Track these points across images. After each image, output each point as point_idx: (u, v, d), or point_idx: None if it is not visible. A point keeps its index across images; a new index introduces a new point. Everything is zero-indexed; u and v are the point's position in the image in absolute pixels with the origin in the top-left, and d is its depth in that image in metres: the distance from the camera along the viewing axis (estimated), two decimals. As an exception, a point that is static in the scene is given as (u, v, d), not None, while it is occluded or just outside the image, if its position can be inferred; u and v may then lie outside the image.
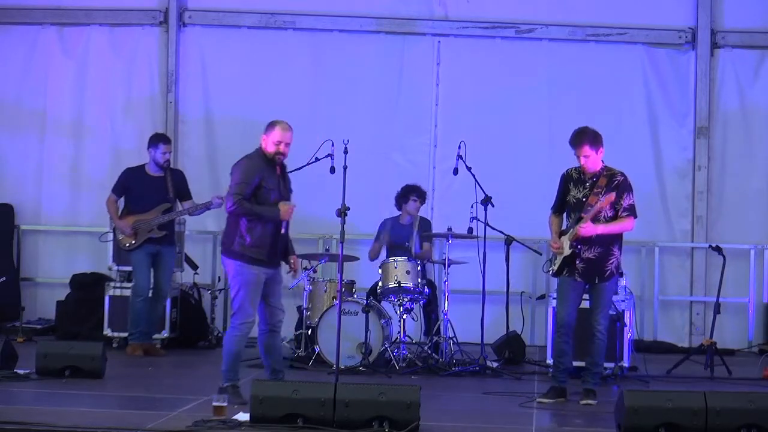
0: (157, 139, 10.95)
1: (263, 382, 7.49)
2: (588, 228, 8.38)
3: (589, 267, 8.50)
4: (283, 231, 8.12)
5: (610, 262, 8.52)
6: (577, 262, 8.50)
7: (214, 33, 12.79)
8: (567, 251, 8.51)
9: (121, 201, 10.97)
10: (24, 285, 12.76)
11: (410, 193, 11.01)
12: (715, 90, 12.46)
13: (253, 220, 8.02)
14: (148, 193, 10.78)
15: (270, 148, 8.10)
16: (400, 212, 11.10)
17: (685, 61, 12.51)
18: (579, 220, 8.47)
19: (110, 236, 11.20)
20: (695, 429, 7.03)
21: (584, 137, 8.50)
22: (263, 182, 8.04)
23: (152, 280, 10.82)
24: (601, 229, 8.43)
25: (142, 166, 10.95)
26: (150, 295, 10.77)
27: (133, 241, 10.70)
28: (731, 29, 12.45)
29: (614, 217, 8.50)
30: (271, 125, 8.15)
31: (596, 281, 8.52)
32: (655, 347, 11.80)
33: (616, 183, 8.49)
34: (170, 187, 10.79)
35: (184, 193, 10.92)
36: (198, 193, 11.15)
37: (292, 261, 8.31)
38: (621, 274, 9.13)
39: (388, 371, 9.83)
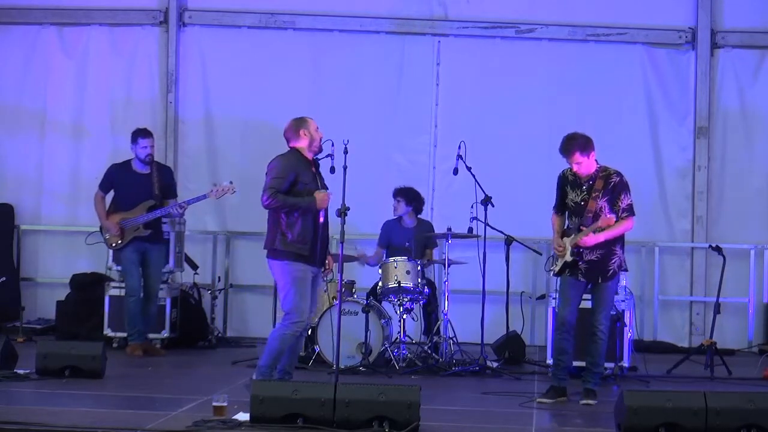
0: (136, 134, 10.86)
1: (263, 382, 7.50)
2: (589, 239, 8.38)
3: (592, 268, 8.50)
4: (321, 220, 8.22)
5: (613, 261, 8.52)
6: (580, 263, 8.49)
7: (214, 33, 12.79)
8: (569, 258, 8.50)
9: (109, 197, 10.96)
10: (24, 285, 12.76)
11: (394, 194, 11.02)
12: (715, 90, 12.46)
13: (292, 214, 8.10)
14: (133, 190, 10.73)
15: (316, 136, 8.31)
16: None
17: (685, 61, 12.50)
18: (580, 228, 8.46)
19: (98, 237, 11.09)
20: (695, 429, 7.03)
21: (574, 145, 8.45)
22: (299, 177, 8.18)
23: (142, 279, 10.79)
24: (603, 237, 8.42)
25: (129, 162, 10.90)
26: (141, 294, 10.75)
27: (120, 241, 10.67)
28: (731, 29, 12.45)
29: (614, 219, 8.49)
30: (301, 120, 8.33)
31: (599, 281, 8.52)
32: (655, 347, 11.80)
33: (612, 184, 8.49)
34: (156, 184, 10.75)
35: (168, 191, 10.86)
36: (198, 193, 11.13)
37: (327, 261, 8.40)
38: (625, 270, 9.11)
39: (388, 371, 9.83)
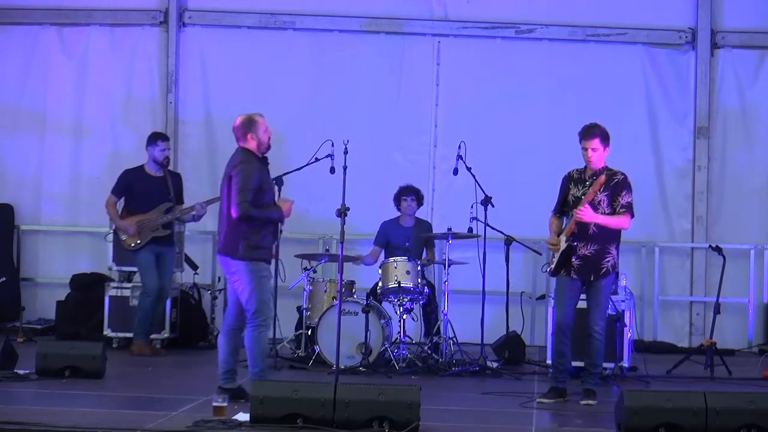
0: (156, 137, 10.96)
1: (263, 382, 7.50)
2: (587, 212, 8.36)
3: (584, 264, 8.49)
4: (282, 228, 8.14)
5: (606, 260, 8.51)
6: (573, 259, 8.50)
7: (214, 33, 12.79)
8: (563, 245, 8.51)
9: (120, 202, 10.98)
10: (24, 285, 12.75)
11: (403, 193, 11.02)
12: (715, 90, 12.46)
13: (255, 224, 8.00)
14: (149, 192, 10.79)
15: (264, 138, 8.08)
16: (400, 213, 11.11)
17: (685, 61, 12.50)
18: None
19: (112, 236, 11.16)
20: (695, 429, 7.03)
21: (597, 130, 8.52)
22: (263, 184, 8.03)
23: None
24: (600, 218, 8.41)
25: (141, 167, 10.96)
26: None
27: (138, 241, 10.69)
28: (731, 29, 12.45)
29: (612, 215, 8.50)
30: (251, 122, 8.07)
31: (591, 278, 8.52)
32: (655, 347, 11.80)
33: (615, 181, 8.50)
34: (171, 187, 10.80)
35: (178, 197, 10.92)
36: (198, 193, 11.18)
37: None
38: (617, 274, 9.13)
39: (388, 371, 9.83)
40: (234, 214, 7.93)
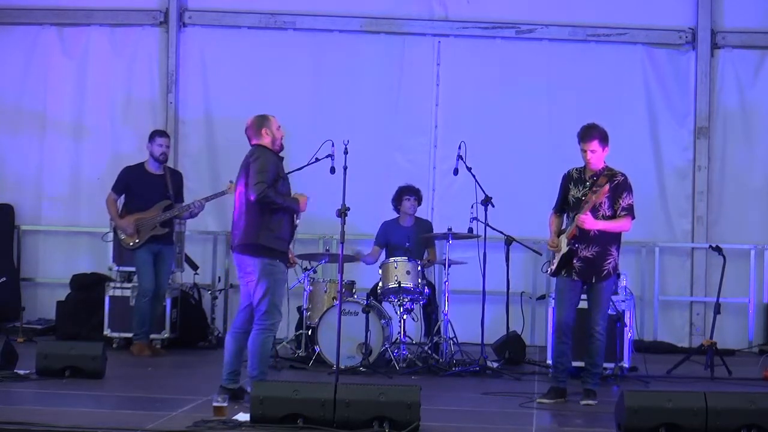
0: (155, 134, 10.99)
1: (263, 382, 7.51)
2: (588, 219, 8.35)
3: (586, 266, 8.49)
4: (297, 222, 8.20)
5: (608, 262, 8.51)
6: (575, 261, 8.50)
7: (214, 33, 12.79)
8: (564, 248, 8.51)
9: (121, 199, 10.99)
10: (24, 285, 12.76)
11: (404, 193, 11.03)
12: (715, 90, 12.46)
13: (277, 212, 7.98)
14: (148, 190, 10.78)
15: (278, 135, 8.17)
16: (399, 215, 11.11)
17: (685, 61, 12.51)
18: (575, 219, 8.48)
19: (111, 236, 11.19)
20: (695, 429, 7.04)
21: (595, 132, 8.50)
22: (280, 173, 8.08)
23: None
24: (601, 224, 8.42)
25: (142, 164, 10.96)
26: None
27: (137, 240, 10.69)
28: (731, 29, 12.46)
29: (613, 217, 8.50)
30: (263, 118, 8.18)
31: (593, 281, 8.52)
32: (655, 347, 11.80)
33: (616, 183, 8.49)
34: (170, 185, 10.80)
35: (177, 196, 10.92)
36: (198, 193, 11.17)
37: (291, 257, 8.38)
38: (618, 275, 9.12)
39: (389, 371, 9.83)
40: (251, 196, 7.92)
